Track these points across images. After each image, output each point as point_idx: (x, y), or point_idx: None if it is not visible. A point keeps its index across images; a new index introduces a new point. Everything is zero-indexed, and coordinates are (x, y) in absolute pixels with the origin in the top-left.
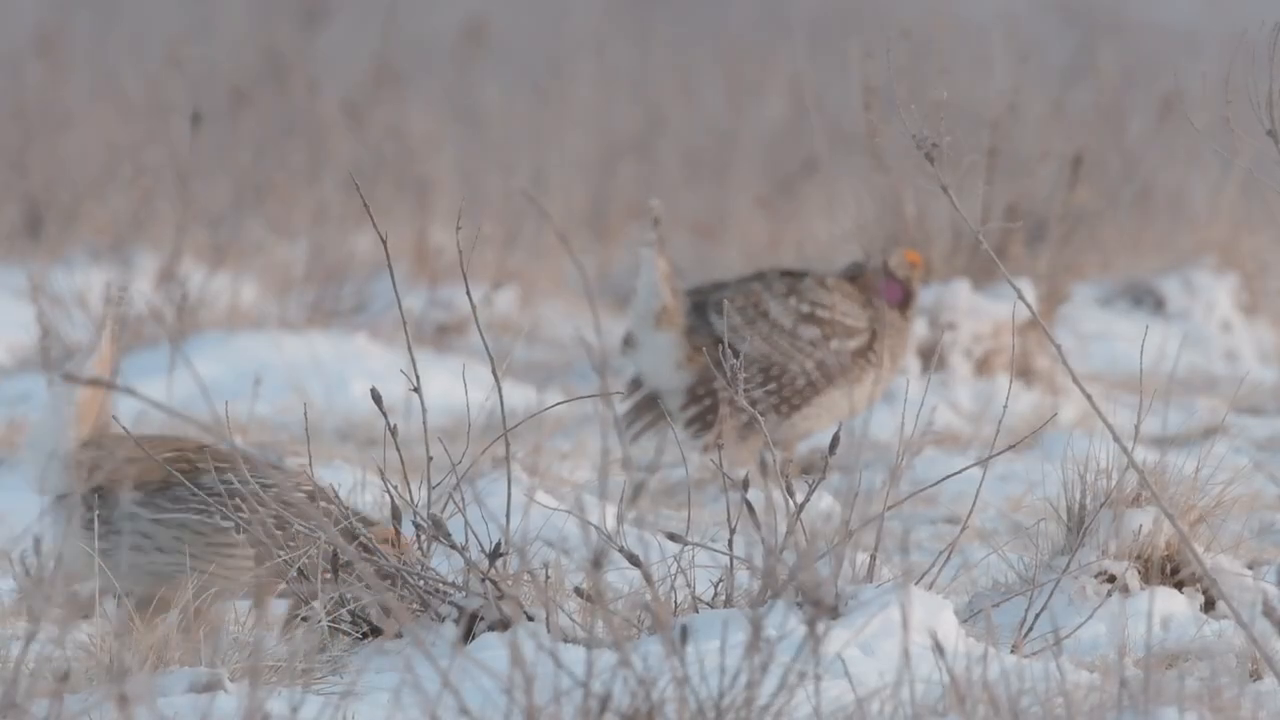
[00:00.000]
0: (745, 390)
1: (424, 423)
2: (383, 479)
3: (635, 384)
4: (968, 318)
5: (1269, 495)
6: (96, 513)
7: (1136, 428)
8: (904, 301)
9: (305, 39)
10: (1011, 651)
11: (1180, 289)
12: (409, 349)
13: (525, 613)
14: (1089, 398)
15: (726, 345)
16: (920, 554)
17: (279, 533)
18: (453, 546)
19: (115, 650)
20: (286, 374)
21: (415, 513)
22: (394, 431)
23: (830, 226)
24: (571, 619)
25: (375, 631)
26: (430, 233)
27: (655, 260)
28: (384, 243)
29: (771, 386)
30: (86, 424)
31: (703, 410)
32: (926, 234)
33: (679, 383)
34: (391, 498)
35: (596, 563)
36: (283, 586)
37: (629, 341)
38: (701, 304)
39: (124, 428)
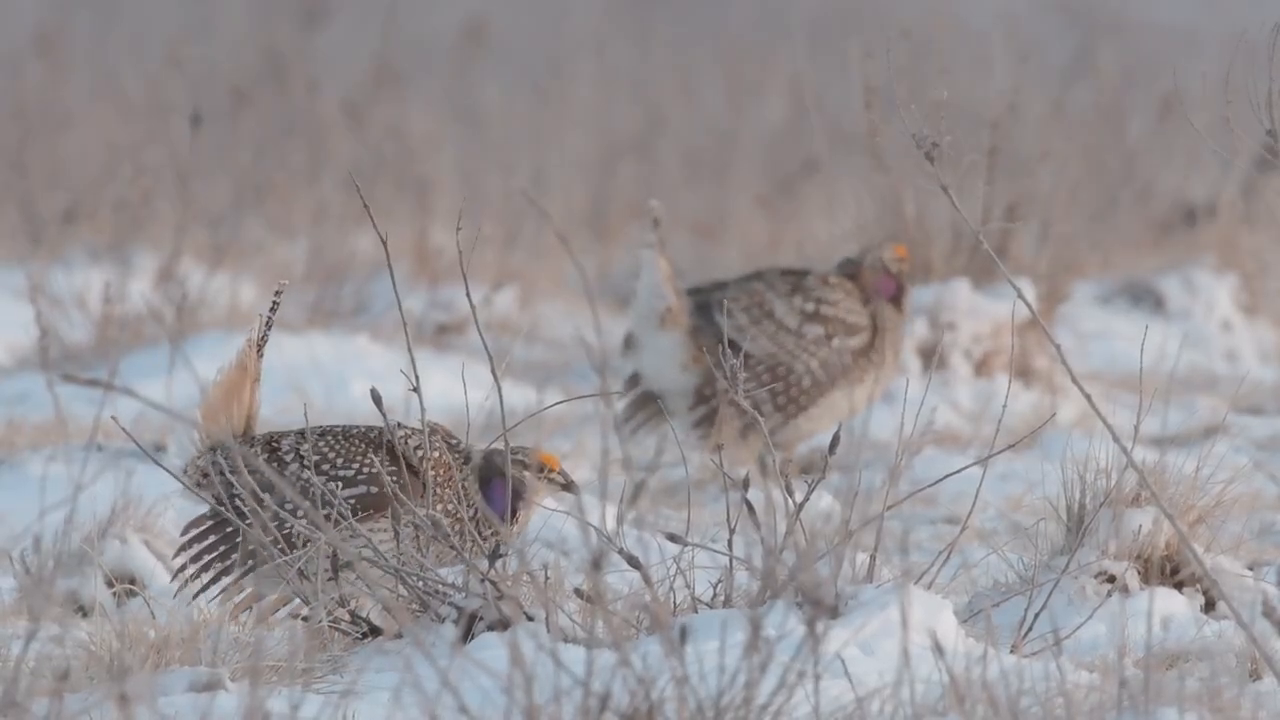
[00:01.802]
0: (750, 390)
1: (424, 423)
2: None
3: (634, 380)
4: (967, 318)
5: (1269, 495)
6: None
7: (1136, 427)
8: (897, 295)
9: (305, 39)
10: (1011, 651)
11: (1180, 288)
12: (409, 349)
13: (525, 613)
14: (1088, 398)
15: (732, 345)
16: (920, 554)
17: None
18: (452, 547)
19: (115, 650)
20: (286, 374)
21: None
22: (394, 431)
23: (830, 226)
24: (571, 619)
25: (375, 631)
26: (430, 233)
27: (657, 261)
28: (384, 243)
29: (778, 386)
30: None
31: (710, 411)
32: (926, 234)
33: (684, 383)
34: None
35: (596, 563)
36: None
37: (630, 343)
38: (705, 304)
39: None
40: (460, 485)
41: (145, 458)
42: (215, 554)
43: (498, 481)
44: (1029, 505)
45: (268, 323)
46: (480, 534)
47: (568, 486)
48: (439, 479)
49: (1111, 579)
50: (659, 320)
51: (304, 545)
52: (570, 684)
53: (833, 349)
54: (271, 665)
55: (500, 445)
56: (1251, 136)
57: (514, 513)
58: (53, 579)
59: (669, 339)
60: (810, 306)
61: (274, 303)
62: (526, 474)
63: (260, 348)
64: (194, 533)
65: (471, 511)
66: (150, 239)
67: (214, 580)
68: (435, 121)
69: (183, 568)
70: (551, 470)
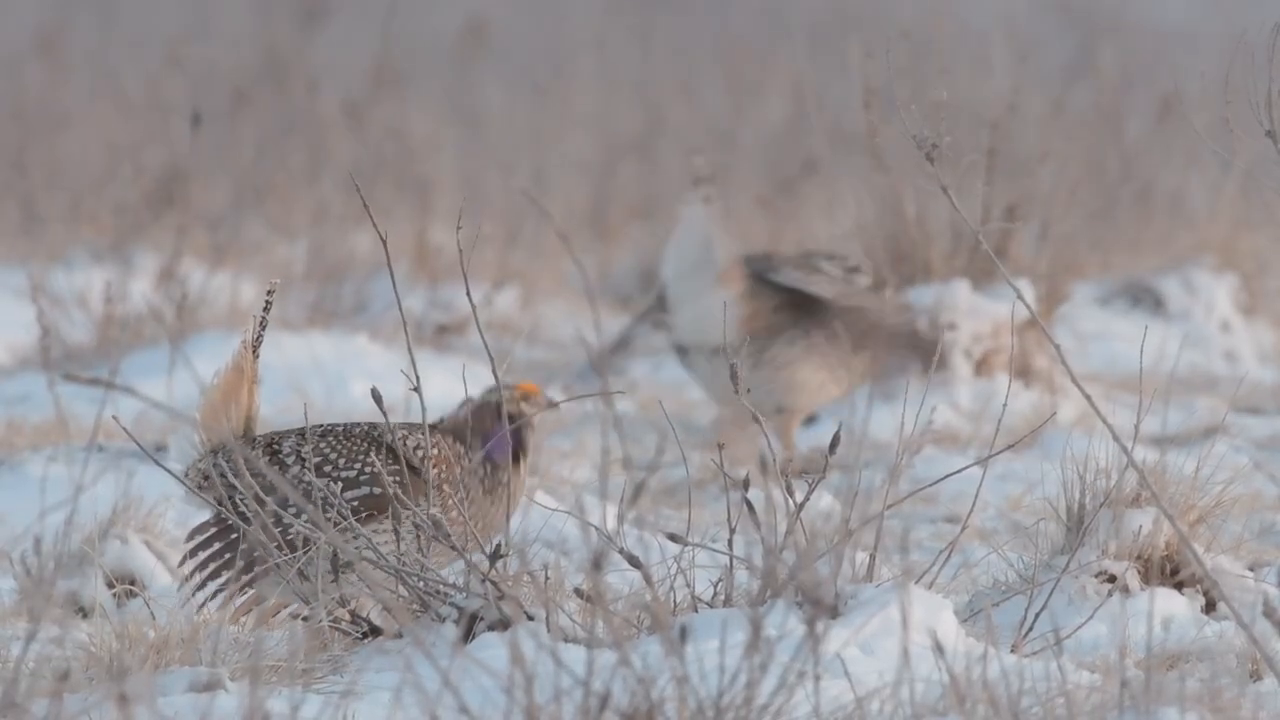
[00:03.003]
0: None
1: (424, 422)
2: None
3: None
4: (967, 318)
5: (1269, 495)
6: None
7: (1136, 427)
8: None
9: (305, 39)
10: (1011, 651)
11: (1180, 289)
12: (409, 349)
13: (525, 613)
14: (1088, 398)
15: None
16: (920, 553)
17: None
18: (453, 547)
19: (115, 650)
20: (286, 374)
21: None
22: (394, 430)
23: (830, 226)
24: (571, 619)
25: (375, 631)
26: (430, 233)
27: (708, 214)
28: (384, 243)
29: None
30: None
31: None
32: (926, 234)
33: (729, 338)
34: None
35: (596, 563)
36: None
37: (666, 303)
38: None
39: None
40: (461, 477)
41: (146, 458)
42: (221, 561)
43: (496, 428)
44: (1029, 505)
45: (262, 323)
46: (493, 487)
47: (552, 404)
48: (440, 476)
49: (1112, 579)
50: (716, 275)
51: (310, 549)
52: (571, 684)
53: (884, 299)
54: (271, 665)
55: (488, 395)
56: (1251, 136)
57: (519, 450)
58: (53, 580)
59: (723, 294)
60: (850, 263)
61: (267, 303)
62: (522, 405)
63: (255, 349)
64: (199, 539)
65: (479, 477)
66: (150, 239)
67: (222, 589)
68: (435, 121)
69: (190, 575)
70: (535, 395)
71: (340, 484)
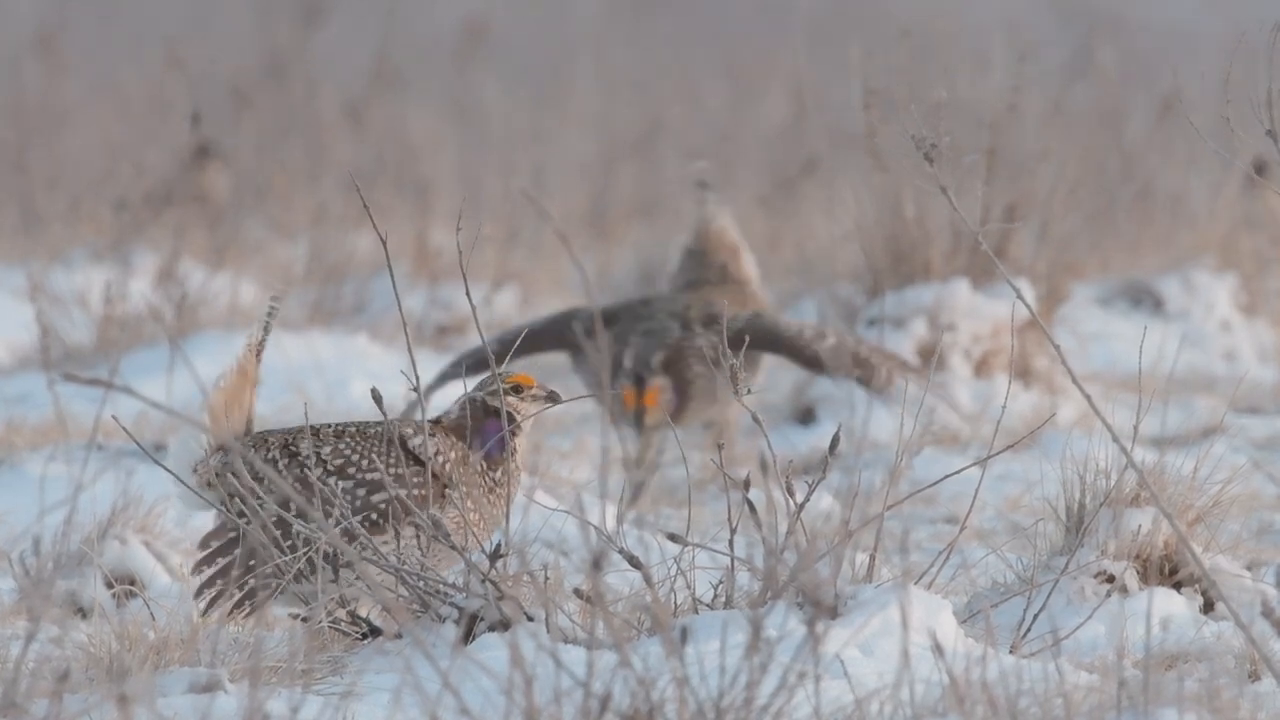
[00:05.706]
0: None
1: (424, 422)
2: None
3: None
4: (967, 318)
5: (1268, 495)
6: None
7: (1135, 428)
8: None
9: (305, 39)
10: (1010, 652)
11: (1179, 289)
12: (409, 349)
13: (525, 613)
14: (1088, 398)
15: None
16: (919, 554)
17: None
18: (453, 547)
19: (115, 651)
20: (287, 374)
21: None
22: (398, 431)
23: (830, 226)
24: (571, 620)
25: (375, 632)
26: (430, 233)
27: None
28: (384, 243)
29: None
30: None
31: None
32: (926, 234)
33: None
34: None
35: (596, 564)
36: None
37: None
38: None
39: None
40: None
41: (145, 457)
42: (238, 569)
43: (491, 421)
44: (1028, 505)
45: (266, 327)
46: (491, 484)
47: (550, 397)
48: (459, 475)
49: (1110, 579)
50: None
51: (330, 557)
52: (571, 685)
53: None
54: (271, 666)
55: (477, 391)
56: (1251, 136)
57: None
58: (52, 580)
59: None
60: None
61: (272, 308)
62: (511, 399)
63: (259, 352)
64: (215, 545)
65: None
66: (151, 239)
67: (238, 600)
68: (435, 121)
69: (209, 582)
70: (531, 387)
71: (365, 488)
